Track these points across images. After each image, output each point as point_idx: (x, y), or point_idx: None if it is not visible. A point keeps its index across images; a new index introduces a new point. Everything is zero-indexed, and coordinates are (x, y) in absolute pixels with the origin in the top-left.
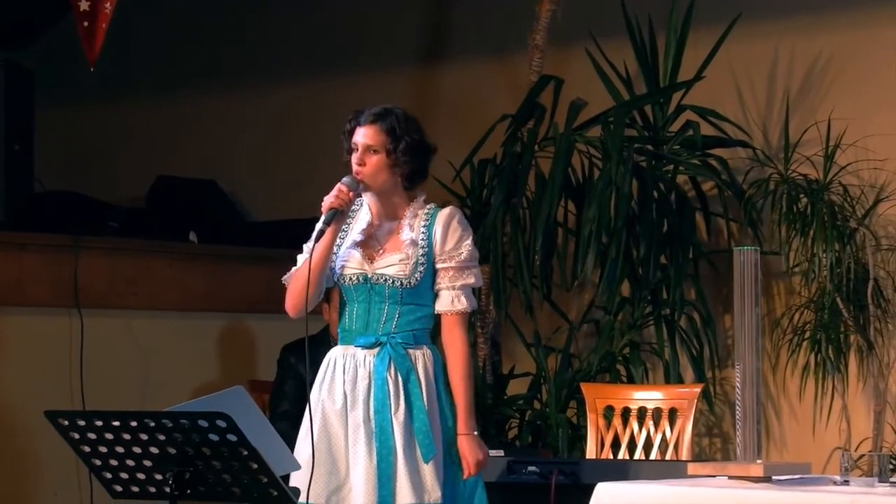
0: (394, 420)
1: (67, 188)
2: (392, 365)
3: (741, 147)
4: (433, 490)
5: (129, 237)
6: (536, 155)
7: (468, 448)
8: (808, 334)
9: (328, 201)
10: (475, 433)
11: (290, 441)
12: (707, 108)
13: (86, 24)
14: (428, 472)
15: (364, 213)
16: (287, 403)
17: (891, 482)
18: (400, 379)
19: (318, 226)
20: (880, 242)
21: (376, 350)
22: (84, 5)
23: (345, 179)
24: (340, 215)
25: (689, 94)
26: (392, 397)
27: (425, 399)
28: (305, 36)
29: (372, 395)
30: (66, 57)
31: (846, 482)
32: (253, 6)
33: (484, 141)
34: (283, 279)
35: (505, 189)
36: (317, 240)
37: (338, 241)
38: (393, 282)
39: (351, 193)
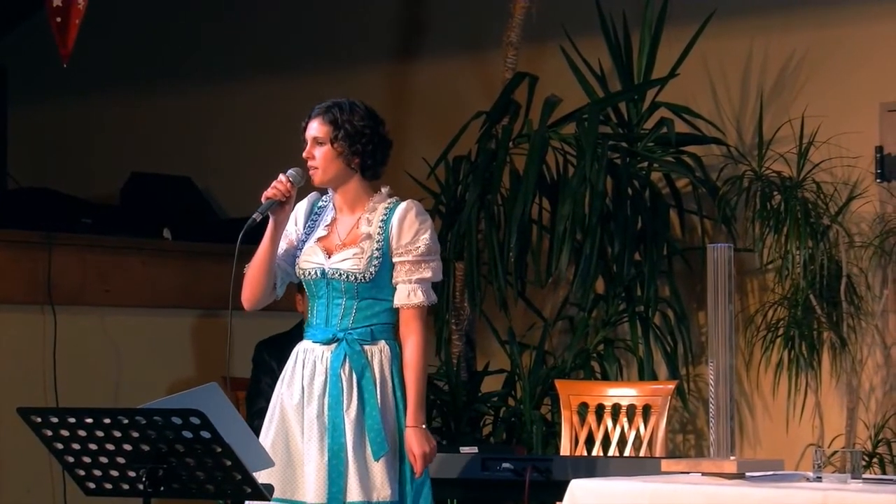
0: (345, 417)
1: (40, 184)
2: (347, 361)
3: (715, 144)
4: (382, 488)
5: (103, 234)
6: (511, 152)
7: (415, 440)
8: (781, 331)
9: (266, 192)
10: (423, 426)
11: None
12: (681, 105)
13: (59, 19)
14: (378, 470)
15: (330, 209)
16: (263, 401)
17: (864, 478)
18: (354, 376)
19: (253, 215)
20: (853, 239)
21: (333, 346)
22: (57, 0)
23: (289, 171)
24: (278, 206)
25: (663, 92)
26: (345, 394)
27: (379, 396)
28: (280, 32)
29: (327, 391)
30: (39, 53)
31: (819, 478)
32: (227, 3)
33: (458, 138)
34: (244, 269)
35: (479, 186)
36: (247, 229)
37: (303, 236)
38: (348, 276)
39: (290, 184)
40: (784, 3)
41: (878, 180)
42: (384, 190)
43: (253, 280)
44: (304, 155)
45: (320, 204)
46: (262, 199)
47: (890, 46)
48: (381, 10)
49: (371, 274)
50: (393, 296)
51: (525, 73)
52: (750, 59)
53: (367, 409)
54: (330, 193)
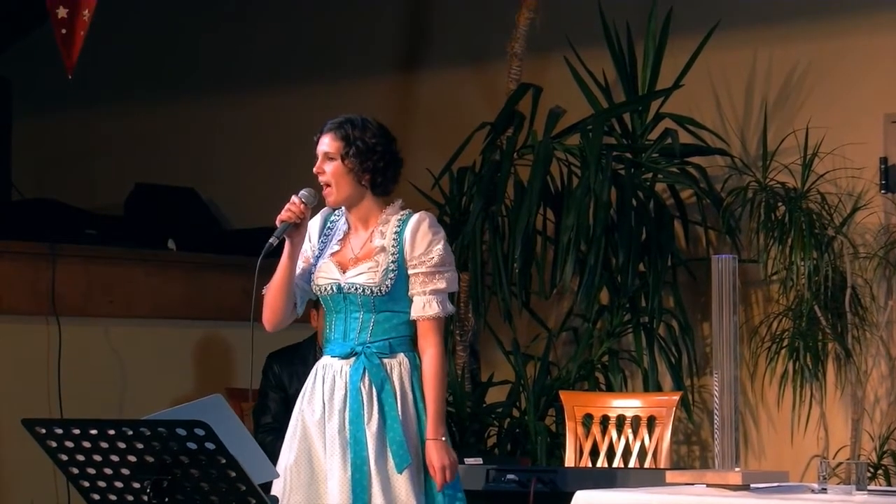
0: (367, 430)
1: (45, 196)
2: (366, 375)
3: (719, 155)
4: (407, 500)
5: (107, 245)
6: (515, 163)
7: (435, 453)
8: (786, 342)
9: (280, 215)
10: (443, 439)
11: (272, 452)
12: (685, 116)
13: (64, 31)
14: (402, 482)
15: (343, 224)
16: (269, 416)
17: (868, 490)
18: (374, 389)
19: (270, 239)
20: (858, 251)
21: (352, 360)
22: (62, 12)
23: (301, 192)
24: (293, 228)
25: (667, 103)
26: (365, 408)
27: (399, 409)
28: (284, 44)
29: (347, 405)
30: (44, 64)
31: (824, 490)
32: (231, 15)
33: (463, 149)
34: (262, 291)
35: (484, 197)
36: (265, 253)
37: (317, 252)
38: (364, 290)
39: (304, 206)
40: (788, 14)
41: (883, 191)
42: (397, 203)
43: (273, 302)
44: (315, 170)
45: (333, 218)
46: (277, 223)
47: (894, 57)
48: (385, 21)
49: (387, 287)
50: (409, 308)
51: (529, 84)
52: (754, 69)
53: (387, 422)
54: (342, 208)
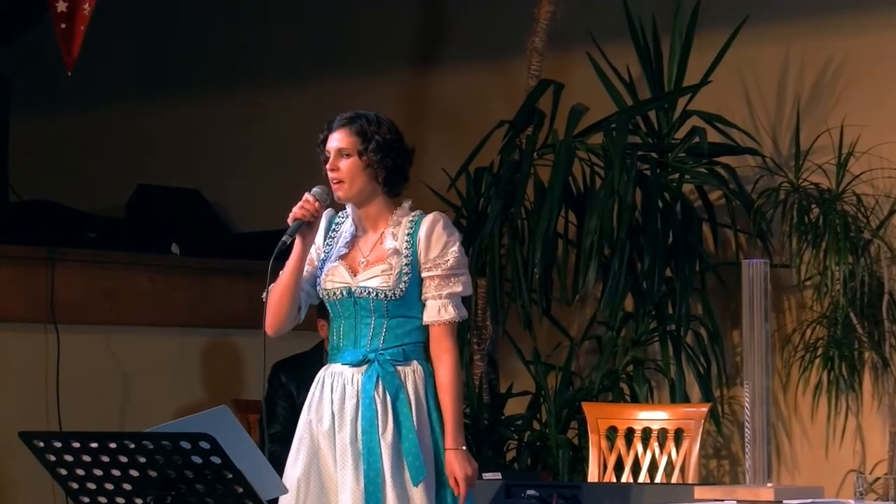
0: (381, 441)
1: (43, 197)
2: (380, 383)
3: (750, 155)
4: None
5: (109, 249)
6: (535, 163)
7: (456, 463)
8: (820, 351)
9: (293, 212)
10: (463, 448)
11: (281, 463)
12: (714, 113)
13: (63, 26)
14: (417, 495)
15: (349, 225)
16: (278, 425)
17: None
18: (388, 398)
19: (283, 238)
20: None
21: (364, 368)
22: (62, 6)
23: (314, 189)
24: (307, 227)
25: (695, 100)
26: (380, 417)
27: (415, 419)
28: (296, 42)
29: (360, 415)
30: (44, 61)
31: None
32: (240, 12)
33: (480, 148)
34: (262, 296)
35: (502, 199)
36: (279, 252)
37: (322, 254)
38: (377, 294)
39: (318, 204)
40: (821, 7)
41: None
42: (406, 204)
43: (278, 305)
44: (329, 167)
45: (337, 220)
46: (289, 221)
47: None
48: (401, 16)
49: (401, 291)
50: (422, 313)
51: (550, 80)
52: (786, 65)
53: (403, 433)
54: (348, 210)
